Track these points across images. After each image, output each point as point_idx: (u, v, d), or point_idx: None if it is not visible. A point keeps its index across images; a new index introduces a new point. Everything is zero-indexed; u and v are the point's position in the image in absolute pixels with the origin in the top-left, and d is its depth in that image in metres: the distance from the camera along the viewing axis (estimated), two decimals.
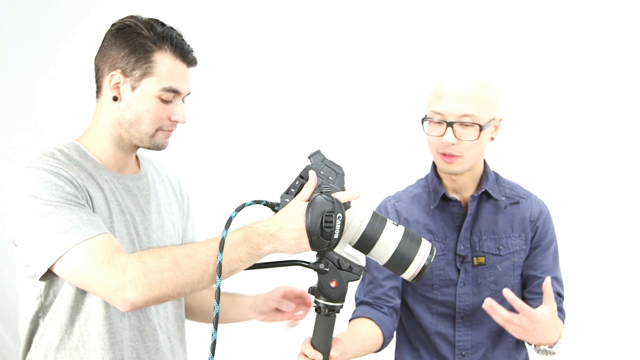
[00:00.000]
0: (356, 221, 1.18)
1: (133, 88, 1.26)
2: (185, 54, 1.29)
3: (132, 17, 1.30)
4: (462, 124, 1.41)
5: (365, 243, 1.19)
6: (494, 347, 1.53)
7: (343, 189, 1.21)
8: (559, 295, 1.54)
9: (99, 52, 1.30)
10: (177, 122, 1.32)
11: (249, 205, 1.18)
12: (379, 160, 2.88)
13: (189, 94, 1.33)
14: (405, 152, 2.76)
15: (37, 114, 3.05)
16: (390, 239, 1.18)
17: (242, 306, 1.53)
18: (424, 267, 1.17)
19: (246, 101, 3.03)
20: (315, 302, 1.22)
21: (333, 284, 1.18)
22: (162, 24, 1.29)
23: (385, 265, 1.20)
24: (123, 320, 1.27)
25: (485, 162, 1.57)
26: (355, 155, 2.79)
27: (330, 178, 1.20)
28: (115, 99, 1.27)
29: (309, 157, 1.22)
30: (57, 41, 3.05)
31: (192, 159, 2.83)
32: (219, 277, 1.11)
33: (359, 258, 1.23)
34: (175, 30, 1.30)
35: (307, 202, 1.14)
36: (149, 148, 1.32)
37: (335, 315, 1.22)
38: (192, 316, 1.55)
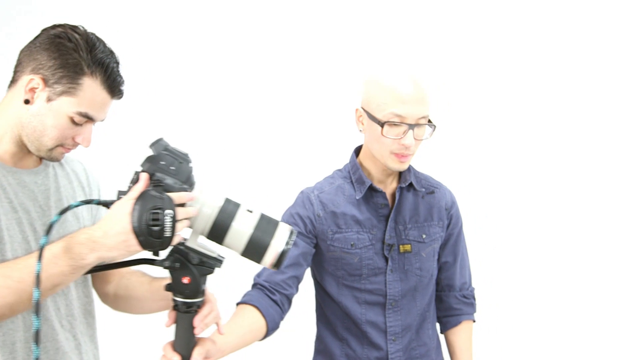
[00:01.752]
0: (206, 209, 1.10)
1: (49, 100, 1.20)
2: (114, 87, 1.24)
3: (75, 29, 1.23)
4: (419, 125, 1.47)
5: (217, 233, 1.10)
6: (419, 328, 1.62)
7: (188, 178, 1.11)
8: (464, 285, 1.70)
9: (27, 47, 1.24)
10: (79, 144, 1.26)
11: (76, 206, 1.12)
12: None
13: (102, 120, 1.28)
14: None
15: None
16: (244, 225, 1.10)
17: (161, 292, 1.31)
18: (282, 253, 1.09)
19: (243, 101, 3.03)
20: (173, 299, 1.15)
21: (186, 280, 1.12)
22: (104, 46, 1.24)
23: (243, 255, 1.11)
24: (15, 321, 1.20)
25: None
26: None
27: (172, 168, 1.09)
28: (27, 102, 1.21)
29: (150, 147, 1.12)
30: None
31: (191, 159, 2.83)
32: (37, 289, 1.03)
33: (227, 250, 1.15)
34: (114, 57, 1.25)
35: (134, 200, 1.05)
36: (42, 158, 1.27)
37: (195, 311, 1.15)
38: (124, 307, 1.45)
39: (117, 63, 1.26)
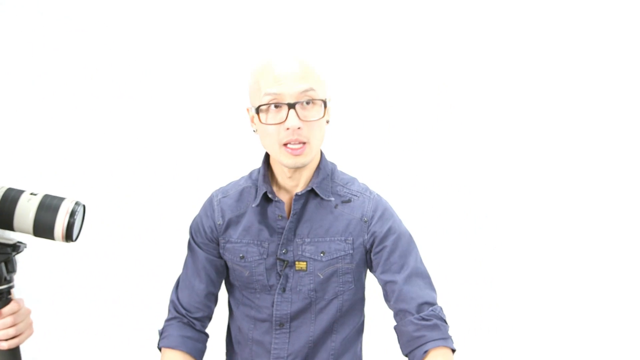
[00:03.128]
0: None
1: None
2: None
3: None
4: (303, 103, 1.28)
5: (4, 219, 1.14)
6: (313, 357, 1.43)
7: None
8: (423, 307, 1.34)
9: None
10: None
11: None
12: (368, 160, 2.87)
13: None
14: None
15: None
16: (28, 207, 1.13)
17: None
18: (69, 225, 1.13)
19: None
20: None
21: None
22: None
23: (36, 235, 1.15)
24: None
25: (321, 153, 1.43)
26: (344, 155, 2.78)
27: None
28: None
29: None
30: None
31: (189, 158, 2.83)
32: None
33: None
34: None
35: None
36: None
37: (9, 298, 1.17)
38: None
39: None
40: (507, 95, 2.85)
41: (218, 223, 1.42)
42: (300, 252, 1.39)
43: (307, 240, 1.39)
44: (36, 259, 2.53)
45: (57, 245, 2.62)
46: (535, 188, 2.84)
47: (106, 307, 2.54)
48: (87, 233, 2.79)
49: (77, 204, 1.16)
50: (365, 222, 1.40)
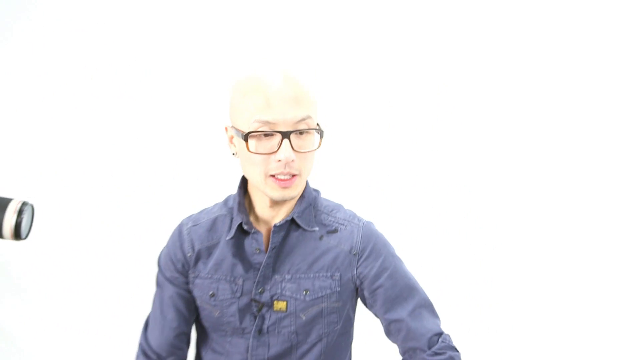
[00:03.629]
0: None
1: None
2: None
3: None
4: (298, 132, 1.13)
5: None
6: None
7: None
8: (433, 339, 1.24)
9: None
10: None
11: None
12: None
13: None
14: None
15: None
16: None
17: None
18: (16, 224, 1.14)
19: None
20: None
21: None
22: None
23: None
24: None
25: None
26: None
27: None
28: None
29: None
30: None
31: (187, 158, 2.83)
32: None
33: None
34: None
35: None
36: None
37: None
38: None
39: None
40: (507, 95, 2.85)
41: (188, 255, 1.25)
42: (279, 291, 1.22)
43: (288, 277, 1.22)
44: (36, 259, 2.53)
45: (57, 245, 2.64)
46: (535, 188, 2.84)
47: (106, 307, 2.54)
48: (87, 233, 2.81)
49: (24, 203, 1.16)
50: (355, 255, 1.24)
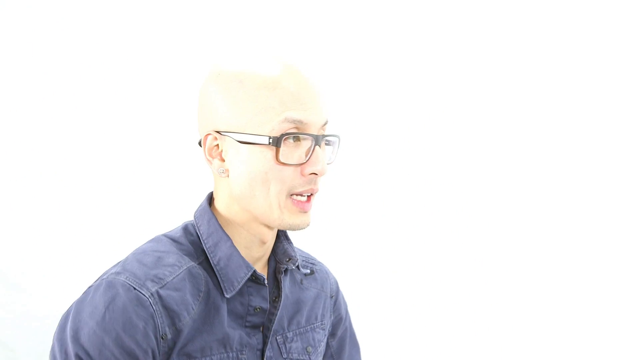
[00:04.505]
0: None
1: None
2: None
3: None
4: (327, 137, 0.88)
5: None
6: None
7: None
8: None
9: None
10: None
11: None
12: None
13: None
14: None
15: None
16: None
17: None
18: None
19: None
20: None
21: None
22: None
23: None
24: None
25: None
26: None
27: None
28: None
29: None
30: None
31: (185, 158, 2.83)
32: None
33: None
34: None
35: None
36: None
37: None
38: None
39: None
40: (507, 95, 2.85)
41: (162, 336, 0.83)
42: (285, 355, 0.94)
43: (289, 335, 0.95)
44: (36, 259, 2.53)
45: (57, 245, 2.64)
46: (535, 188, 2.84)
47: None
48: (87, 233, 2.81)
49: None
50: (332, 297, 1.04)
